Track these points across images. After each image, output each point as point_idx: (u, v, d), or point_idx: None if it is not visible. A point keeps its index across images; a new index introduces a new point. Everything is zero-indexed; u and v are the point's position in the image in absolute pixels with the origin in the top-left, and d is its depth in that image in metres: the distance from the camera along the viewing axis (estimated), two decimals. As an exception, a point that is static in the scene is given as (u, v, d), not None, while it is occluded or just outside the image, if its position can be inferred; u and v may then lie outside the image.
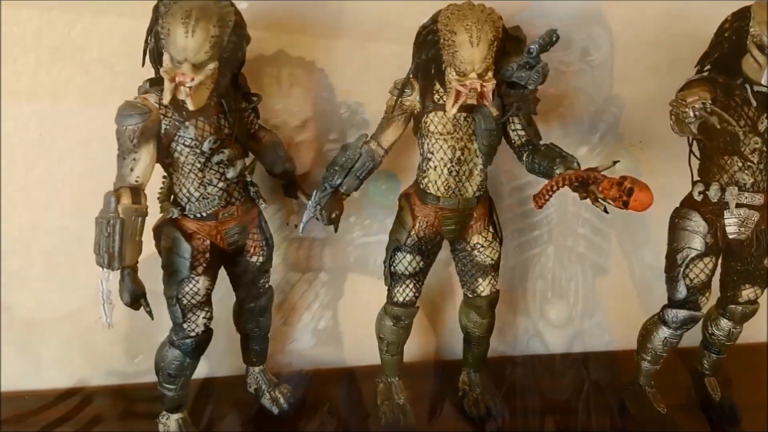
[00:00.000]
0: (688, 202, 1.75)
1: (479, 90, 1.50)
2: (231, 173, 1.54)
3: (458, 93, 1.50)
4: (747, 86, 1.63)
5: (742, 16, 1.61)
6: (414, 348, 2.16)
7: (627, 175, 1.47)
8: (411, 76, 1.60)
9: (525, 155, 1.64)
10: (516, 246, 2.11)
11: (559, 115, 1.96)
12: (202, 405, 1.89)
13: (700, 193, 1.71)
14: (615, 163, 1.51)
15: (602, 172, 1.48)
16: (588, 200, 1.50)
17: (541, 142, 1.65)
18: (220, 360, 1.99)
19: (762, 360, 2.12)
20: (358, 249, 2.04)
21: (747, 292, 1.80)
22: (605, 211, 1.49)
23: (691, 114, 1.44)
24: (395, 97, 1.61)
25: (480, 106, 1.56)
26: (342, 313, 2.09)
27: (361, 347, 2.01)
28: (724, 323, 1.87)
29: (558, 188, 1.51)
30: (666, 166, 1.82)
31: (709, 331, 1.91)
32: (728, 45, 1.64)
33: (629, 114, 1.99)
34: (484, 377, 1.95)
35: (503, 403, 1.93)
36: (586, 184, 1.49)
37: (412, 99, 1.61)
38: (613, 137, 2.00)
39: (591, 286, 2.16)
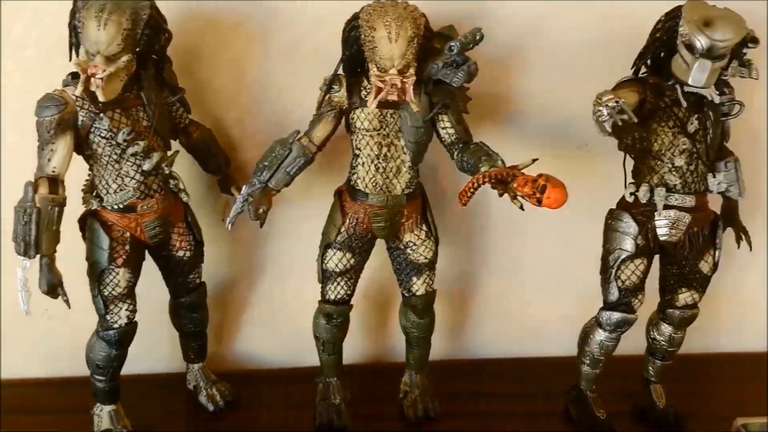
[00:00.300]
0: (621, 204, 1.74)
1: (399, 86, 1.50)
2: (147, 165, 1.55)
3: (379, 89, 1.51)
4: (677, 87, 1.62)
5: (673, 16, 1.60)
6: (364, 350, 2.17)
7: (544, 173, 1.47)
8: (339, 72, 1.61)
9: (455, 154, 1.65)
10: (469, 248, 2.10)
11: (503, 116, 1.95)
12: (142, 400, 1.90)
13: (631, 194, 1.70)
14: (534, 160, 1.51)
15: (522, 170, 1.49)
16: (525, 200, 1.49)
17: (472, 141, 1.65)
18: (169, 356, 2.00)
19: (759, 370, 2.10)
20: (305, 246, 2.04)
21: (684, 296, 1.78)
22: (521, 208, 1.49)
23: (605, 113, 1.44)
24: (325, 94, 1.62)
25: (407, 103, 1.57)
26: (288, 311, 2.08)
27: (307, 347, 2.01)
28: (665, 328, 1.84)
29: (478, 185, 1.51)
30: (612, 168, 1.81)
31: (652, 336, 1.88)
32: (660, 45, 1.64)
33: (576, 116, 1.98)
34: (425, 379, 1.94)
35: (440, 405, 1.91)
36: (504, 182, 1.49)
37: (340, 95, 1.62)
38: (558, 139, 1.98)
39: (548, 289, 2.14)
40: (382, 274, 2.00)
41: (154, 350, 2.02)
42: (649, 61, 1.68)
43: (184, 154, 1.77)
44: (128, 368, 1.83)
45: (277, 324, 2.10)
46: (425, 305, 1.80)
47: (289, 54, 1.82)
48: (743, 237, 1.87)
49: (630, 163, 1.73)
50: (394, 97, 1.53)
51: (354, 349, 2.11)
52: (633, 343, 1.91)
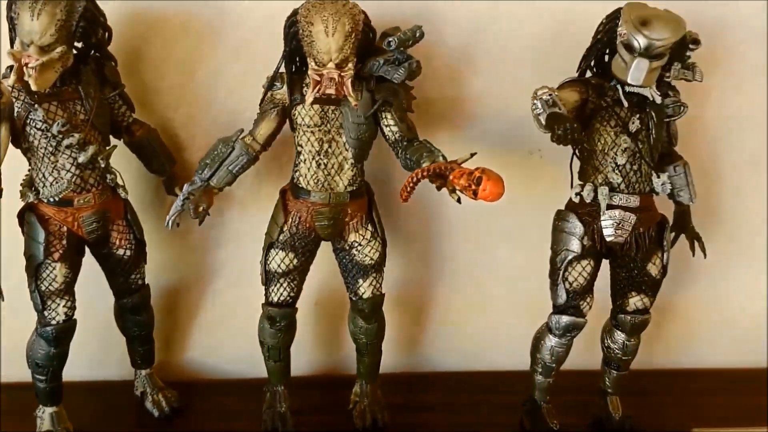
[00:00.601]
0: (568, 205, 1.73)
1: (337, 80, 1.51)
2: (82, 158, 1.55)
3: (316, 82, 1.52)
4: (619, 87, 1.62)
5: (613, 17, 1.62)
6: (317, 361, 2.13)
7: (482, 167, 1.47)
8: (281, 69, 1.61)
9: (399, 152, 1.65)
10: (425, 256, 2.08)
11: (457, 119, 1.94)
12: (88, 405, 1.88)
13: (576, 194, 1.69)
14: (473, 155, 1.51)
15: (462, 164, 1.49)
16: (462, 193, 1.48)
17: (416, 139, 1.65)
18: (119, 363, 1.96)
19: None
20: (258, 251, 2.01)
21: (634, 301, 1.76)
22: (458, 201, 1.48)
23: (539, 106, 1.44)
24: (266, 91, 1.63)
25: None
26: (240, 318, 2.03)
27: (260, 355, 1.98)
28: (618, 335, 1.81)
29: (417, 180, 1.51)
30: (565, 173, 1.81)
31: (606, 345, 1.85)
32: (602, 46, 1.65)
33: (529, 120, 1.98)
34: (376, 389, 1.90)
35: (393, 417, 1.87)
36: (443, 176, 1.49)
37: (282, 92, 1.62)
38: (512, 143, 1.98)
39: (505, 299, 2.11)
40: (334, 281, 1.96)
41: (106, 356, 1.99)
42: (593, 63, 1.69)
43: (133, 155, 1.77)
44: (79, 374, 1.82)
45: (229, 331, 2.06)
46: (372, 309, 1.77)
47: (237, 54, 1.83)
48: (697, 244, 1.86)
49: (577, 164, 1.73)
50: (331, 91, 1.53)
51: (306, 360, 2.09)
52: (598, 357, 1.89)
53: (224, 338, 2.07)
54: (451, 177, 1.45)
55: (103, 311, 1.87)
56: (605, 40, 1.63)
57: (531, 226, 1.91)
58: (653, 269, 1.72)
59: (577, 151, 1.71)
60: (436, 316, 2.12)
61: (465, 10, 1.86)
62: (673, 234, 1.86)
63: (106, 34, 1.57)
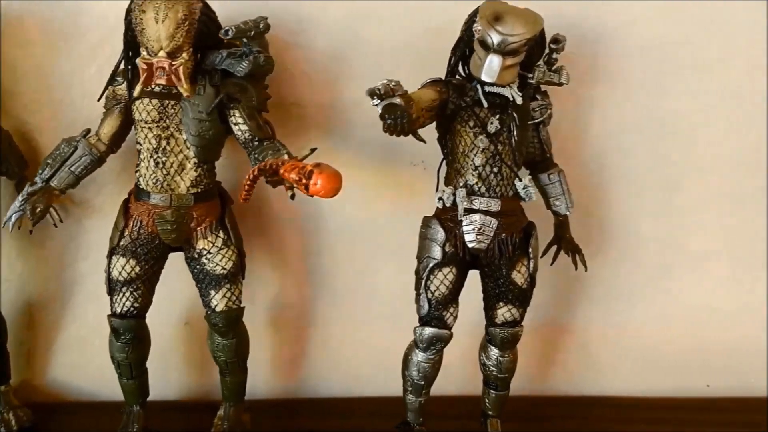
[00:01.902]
0: (436, 211, 1.64)
1: (167, 69, 1.43)
2: None
3: (146, 73, 1.44)
4: (479, 87, 1.56)
5: (472, 16, 1.56)
6: (188, 385, 2.00)
7: (319, 161, 1.39)
8: (122, 62, 1.54)
9: (250, 153, 1.57)
10: (302, 271, 1.97)
11: (332, 127, 1.87)
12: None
13: (439, 198, 1.60)
14: (313, 150, 1.43)
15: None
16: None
17: (268, 139, 1.57)
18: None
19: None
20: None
21: (502, 312, 1.66)
22: (292, 197, 1.40)
23: (375, 99, 1.37)
24: (107, 86, 1.56)
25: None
26: (104, 335, 1.88)
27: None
28: (491, 350, 1.71)
29: (254, 178, 1.42)
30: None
31: (482, 362, 1.74)
32: (464, 46, 1.59)
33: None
34: (240, 411, 1.78)
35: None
36: (278, 173, 1.40)
37: (124, 87, 1.55)
38: (391, 153, 1.89)
39: (389, 319, 1.99)
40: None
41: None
42: (463, 64, 1.63)
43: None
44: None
45: (92, 348, 1.92)
46: (228, 323, 1.66)
47: (94, 54, 1.76)
48: (577, 256, 1.78)
49: (444, 170, 1.66)
50: (162, 82, 1.45)
51: (176, 383, 1.97)
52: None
53: (89, 356, 1.94)
54: (282, 171, 1.36)
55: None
56: (466, 38, 1.58)
57: (415, 238, 1.82)
58: (519, 278, 1.62)
59: (443, 154, 1.64)
60: (316, 337, 2.01)
61: (336, 11, 1.79)
62: (554, 247, 1.79)
63: None
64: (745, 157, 1.97)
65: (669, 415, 2.03)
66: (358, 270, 1.97)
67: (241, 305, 1.67)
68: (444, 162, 1.65)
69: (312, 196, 1.35)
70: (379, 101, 1.36)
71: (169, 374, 1.95)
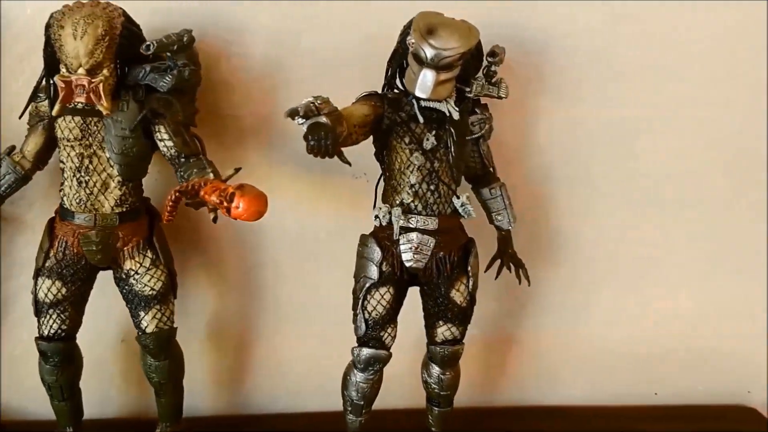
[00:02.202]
0: (373, 230, 1.60)
1: (87, 87, 1.37)
2: None
3: (64, 91, 1.38)
4: (414, 102, 1.52)
5: (407, 28, 1.51)
6: (126, 403, 1.94)
7: (243, 183, 1.34)
8: (44, 78, 1.48)
9: (177, 170, 1.51)
10: (244, 285, 1.92)
11: (268, 139, 1.80)
12: None
13: (375, 217, 1.56)
14: (237, 170, 1.38)
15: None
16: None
17: (194, 155, 1.51)
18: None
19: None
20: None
21: (442, 331, 1.63)
22: (214, 220, 1.35)
23: (299, 118, 1.32)
24: (29, 102, 1.50)
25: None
26: (31, 352, 1.85)
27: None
28: (433, 368, 1.68)
29: (174, 199, 1.37)
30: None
31: (424, 379, 1.71)
32: (399, 57, 1.55)
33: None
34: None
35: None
36: (199, 195, 1.35)
37: (46, 104, 1.49)
38: (335, 168, 1.83)
39: (334, 332, 1.94)
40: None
41: None
42: (398, 78, 1.58)
43: None
44: None
45: (26, 370, 1.84)
46: (159, 344, 1.61)
47: (21, 66, 1.68)
48: (520, 271, 1.75)
49: (383, 186, 1.61)
50: (81, 100, 1.40)
51: (113, 401, 1.92)
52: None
53: (23, 375, 1.86)
54: (202, 193, 1.31)
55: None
56: (401, 51, 1.53)
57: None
58: (458, 297, 1.59)
59: (381, 169, 1.60)
60: (260, 352, 1.96)
61: (273, 15, 1.73)
62: (498, 261, 1.76)
63: None
64: (692, 163, 1.96)
65: (619, 423, 2.02)
66: (301, 284, 1.92)
67: (173, 325, 1.62)
68: (382, 178, 1.61)
69: (235, 219, 1.30)
70: (304, 120, 1.31)
71: (107, 392, 1.90)
